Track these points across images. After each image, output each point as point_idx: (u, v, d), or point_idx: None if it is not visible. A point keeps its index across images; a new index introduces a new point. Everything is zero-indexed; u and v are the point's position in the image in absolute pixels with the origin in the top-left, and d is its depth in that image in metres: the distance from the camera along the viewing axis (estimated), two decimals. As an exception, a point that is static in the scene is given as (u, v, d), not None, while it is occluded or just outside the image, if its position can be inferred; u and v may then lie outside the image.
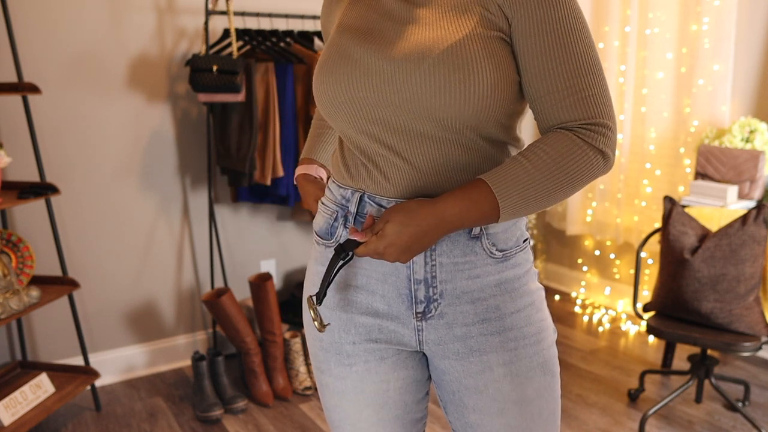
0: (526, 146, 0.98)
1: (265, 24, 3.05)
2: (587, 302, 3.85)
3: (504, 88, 0.94)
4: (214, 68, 2.58)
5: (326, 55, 1.03)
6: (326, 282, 1.01)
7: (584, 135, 0.93)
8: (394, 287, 1.04)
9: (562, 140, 0.93)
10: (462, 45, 0.93)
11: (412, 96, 0.95)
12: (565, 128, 0.94)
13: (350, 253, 1.01)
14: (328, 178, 1.25)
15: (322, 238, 1.10)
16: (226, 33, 2.79)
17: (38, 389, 2.40)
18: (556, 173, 0.92)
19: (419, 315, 1.04)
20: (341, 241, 1.05)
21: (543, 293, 1.10)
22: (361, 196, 1.04)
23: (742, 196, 2.81)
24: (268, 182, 2.80)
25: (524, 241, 1.07)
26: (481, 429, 1.07)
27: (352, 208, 1.04)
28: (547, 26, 0.93)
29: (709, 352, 2.76)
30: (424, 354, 1.12)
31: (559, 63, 0.93)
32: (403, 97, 0.96)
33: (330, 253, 1.08)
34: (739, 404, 2.62)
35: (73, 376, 2.59)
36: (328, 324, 1.04)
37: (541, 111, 0.96)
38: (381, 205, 1.02)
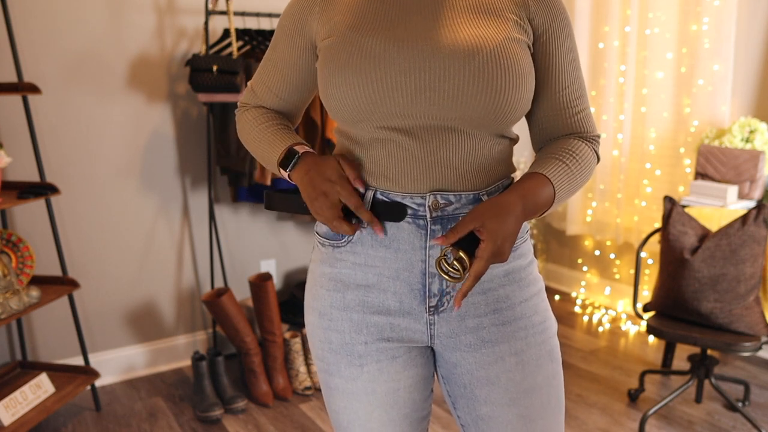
0: (557, 148, 1.07)
1: (265, 24, 3.05)
2: (587, 302, 3.85)
3: (532, 91, 1.02)
4: (214, 68, 2.58)
5: (346, 55, 0.98)
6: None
7: (593, 145, 1.11)
8: (406, 283, 1.04)
9: (585, 150, 1.08)
10: (507, 46, 0.98)
11: (455, 93, 0.95)
12: (583, 138, 1.09)
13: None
14: None
15: (329, 240, 1.09)
16: (226, 33, 2.79)
17: (38, 389, 2.40)
18: (585, 174, 1.08)
19: (432, 309, 1.05)
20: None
21: (543, 284, 1.14)
22: (374, 193, 1.03)
23: (742, 196, 2.81)
24: (268, 182, 2.80)
25: (526, 232, 1.11)
26: (492, 421, 1.08)
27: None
28: (567, 47, 1.06)
29: (709, 352, 2.76)
30: (431, 350, 1.13)
31: (572, 82, 1.07)
32: (442, 95, 0.96)
33: (339, 254, 1.07)
34: (739, 404, 2.62)
35: (73, 376, 2.59)
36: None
37: (550, 119, 1.08)
38: (395, 201, 1.02)
